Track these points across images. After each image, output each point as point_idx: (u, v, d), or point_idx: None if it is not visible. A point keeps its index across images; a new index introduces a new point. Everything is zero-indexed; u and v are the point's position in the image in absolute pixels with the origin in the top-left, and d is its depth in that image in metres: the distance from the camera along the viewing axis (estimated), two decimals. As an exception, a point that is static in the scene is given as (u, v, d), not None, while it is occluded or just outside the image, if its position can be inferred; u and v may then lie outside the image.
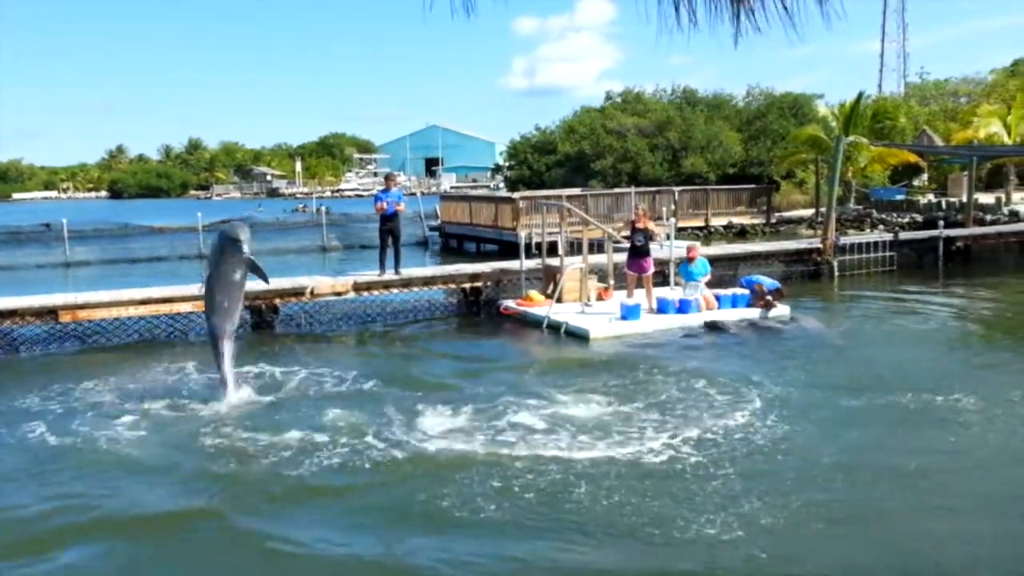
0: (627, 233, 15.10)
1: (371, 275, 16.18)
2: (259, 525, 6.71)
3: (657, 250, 15.70)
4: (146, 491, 7.43)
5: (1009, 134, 33.75)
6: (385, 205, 15.82)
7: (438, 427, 8.78)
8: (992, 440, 8.20)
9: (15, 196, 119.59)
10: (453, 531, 6.47)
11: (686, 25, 3.30)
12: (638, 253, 14.75)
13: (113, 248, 29.85)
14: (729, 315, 14.47)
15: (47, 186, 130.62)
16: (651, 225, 15.19)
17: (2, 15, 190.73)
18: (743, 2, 3.20)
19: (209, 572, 6.19)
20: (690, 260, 15.16)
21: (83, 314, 13.87)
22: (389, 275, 15.95)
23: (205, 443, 8.60)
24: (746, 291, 15.13)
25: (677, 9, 3.23)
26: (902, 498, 6.93)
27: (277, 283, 15.64)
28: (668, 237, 17.19)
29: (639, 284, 14.98)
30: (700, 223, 31.81)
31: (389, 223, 16.00)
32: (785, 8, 3.22)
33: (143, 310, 14.23)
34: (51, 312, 13.74)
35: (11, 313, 13.64)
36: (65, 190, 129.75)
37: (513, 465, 7.63)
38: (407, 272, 16.44)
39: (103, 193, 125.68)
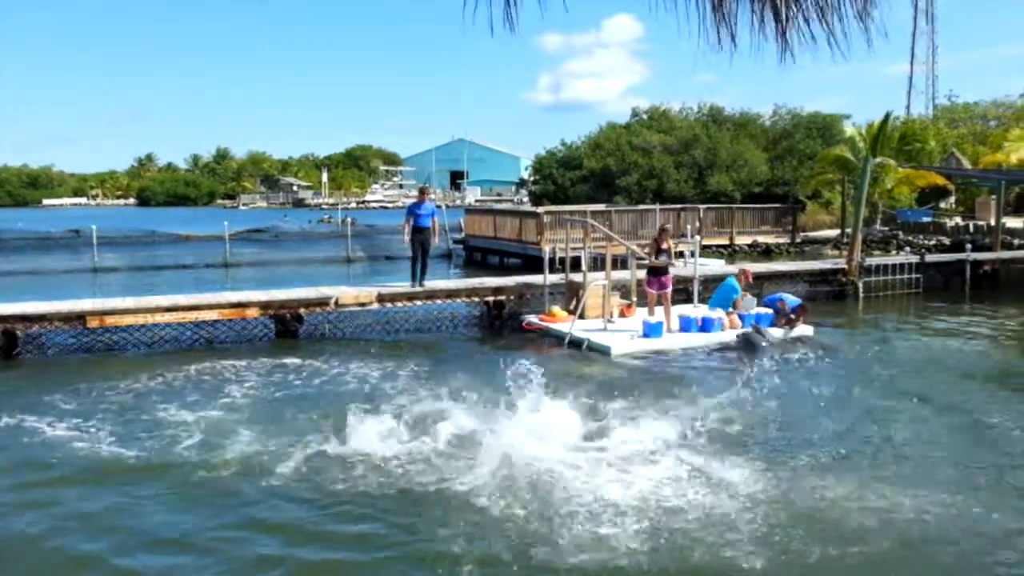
0: (651, 251, 15.06)
1: (395, 287, 16.28)
2: (266, 527, 6.76)
3: (681, 267, 15.67)
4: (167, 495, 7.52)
5: (1039, 158, 33.38)
6: (420, 215, 16.01)
7: (459, 444, 8.58)
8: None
9: (45, 202, 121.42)
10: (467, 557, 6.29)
11: (726, 44, 3.32)
12: (662, 271, 14.75)
13: (140, 255, 30.17)
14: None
15: (77, 192, 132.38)
16: (672, 244, 15.26)
17: (35, 24, 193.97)
18: (788, 21, 3.22)
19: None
20: (746, 283, 15.13)
21: (110, 320, 14.04)
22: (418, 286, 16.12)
23: (221, 441, 8.68)
24: (770, 310, 15.05)
25: (719, 29, 3.26)
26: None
27: (301, 292, 15.81)
28: (693, 255, 17.15)
29: (658, 302, 14.95)
30: (725, 241, 31.70)
31: (421, 235, 16.15)
32: (829, 28, 3.24)
33: (169, 317, 14.37)
34: (79, 317, 13.91)
35: (40, 318, 13.82)
36: (94, 197, 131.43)
37: (536, 490, 7.48)
38: (431, 284, 16.52)
39: (131, 200, 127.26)
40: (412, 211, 16.19)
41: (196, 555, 6.43)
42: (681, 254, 18.79)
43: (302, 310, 15.17)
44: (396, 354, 13.57)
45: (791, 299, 15.26)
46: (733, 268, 20.61)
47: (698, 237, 20.83)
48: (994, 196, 28.92)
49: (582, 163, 45.31)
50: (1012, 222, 30.32)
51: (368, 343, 14.78)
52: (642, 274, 15.82)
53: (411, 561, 6.25)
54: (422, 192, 17.57)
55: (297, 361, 12.98)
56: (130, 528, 6.92)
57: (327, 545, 6.59)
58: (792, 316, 14.74)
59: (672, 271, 15.15)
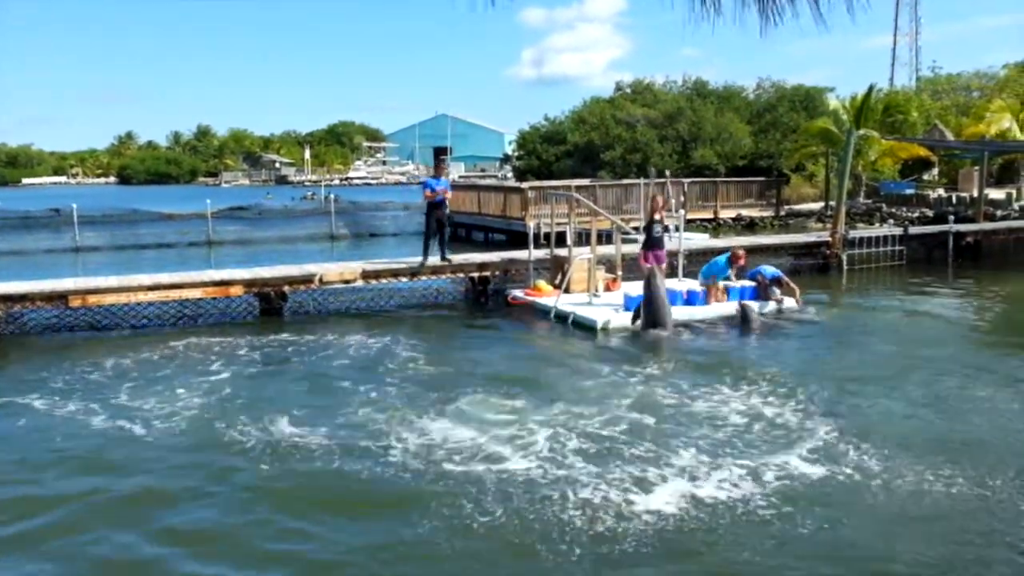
0: (646, 221, 15.00)
1: (380, 263, 16.21)
2: (247, 515, 6.76)
3: (667, 241, 15.63)
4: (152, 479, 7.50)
5: (1021, 130, 33.55)
6: (438, 191, 15.69)
7: (445, 428, 8.48)
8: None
9: (25, 181, 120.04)
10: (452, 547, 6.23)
11: (711, 14, 3.29)
12: (658, 244, 14.69)
13: (122, 234, 29.88)
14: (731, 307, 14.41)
15: (56, 171, 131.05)
16: (665, 215, 15.20)
17: (12, 2, 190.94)
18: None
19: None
20: (738, 267, 15.20)
21: (93, 299, 13.92)
22: (434, 261, 16.06)
23: (207, 422, 8.65)
24: (753, 283, 15.10)
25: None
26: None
27: (285, 270, 15.74)
28: (677, 228, 17.17)
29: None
30: (709, 215, 31.73)
31: (438, 210, 15.85)
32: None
33: (152, 296, 14.28)
34: (61, 297, 13.78)
35: (21, 297, 13.69)
36: (74, 175, 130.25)
37: (514, 476, 7.44)
38: (412, 260, 16.39)
39: (112, 179, 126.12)
40: (430, 185, 15.84)
41: (180, 532, 6.44)
42: (667, 228, 18.70)
43: (286, 287, 15.09)
44: (383, 331, 13.51)
45: (768, 270, 15.36)
46: (719, 242, 20.69)
47: (683, 211, 20.80)
48: (977, 168, 29.08)
49: (566, 138, 45.12)
50: (994, 193, 30.53)
51: (353, 320, 14.73)
52: (627, 248, 15.82)
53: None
54: (439, 167, 17.19)
55: (284, 336, 12.96)
56: (124, 504, 6.90)
57: (325, 534, 6.60)
58: (775, 290, 14.81)
59: (667, 244, 15.08)
